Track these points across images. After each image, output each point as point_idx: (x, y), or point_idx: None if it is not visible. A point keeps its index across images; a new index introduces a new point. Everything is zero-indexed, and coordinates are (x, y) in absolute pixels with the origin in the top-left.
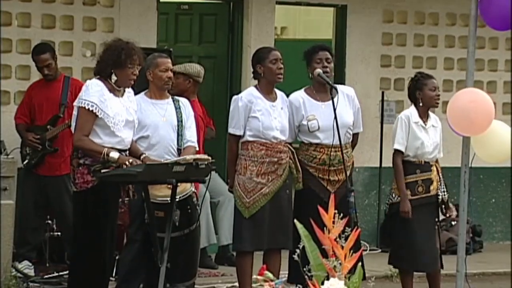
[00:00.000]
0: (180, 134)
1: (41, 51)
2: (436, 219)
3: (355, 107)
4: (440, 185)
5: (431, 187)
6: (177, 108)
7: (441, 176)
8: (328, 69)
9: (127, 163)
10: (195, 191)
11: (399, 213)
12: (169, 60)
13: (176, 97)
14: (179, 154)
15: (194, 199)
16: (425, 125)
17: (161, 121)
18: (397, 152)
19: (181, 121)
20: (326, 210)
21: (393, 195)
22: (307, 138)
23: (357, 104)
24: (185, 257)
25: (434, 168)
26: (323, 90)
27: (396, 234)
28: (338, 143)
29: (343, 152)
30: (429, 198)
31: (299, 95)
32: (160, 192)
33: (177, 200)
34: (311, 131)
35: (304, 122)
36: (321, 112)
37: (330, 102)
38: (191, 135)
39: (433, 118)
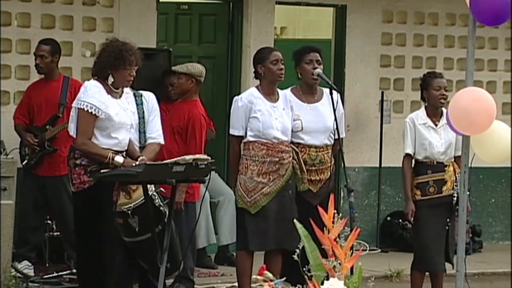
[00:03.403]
0: (142, 132)
1: (43, 42)
2: (448, 220)
3: (339, 112)
4: (456, 185)
5: (444, 188)
6: (139, 104)
7: (457, 176)
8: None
9: (133, 165)
10: (161, 189)
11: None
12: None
13: (139, 92)
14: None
15: (157, 200)
16: (436, 125)
17: None
18: (405, 155)
19: (143, 118)
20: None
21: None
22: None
23: (341, 109)
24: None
25: (450, 168)
26: (310, 92)
27: (412, 235)
28: (320, 144)
29: (342, 152)
30: (441, 199)
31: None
32: (118, 201)
33: (132, 207)
34: (294, 131)
35: None
36: (305, 113)
37: (316, 104)
38: (152, 129)
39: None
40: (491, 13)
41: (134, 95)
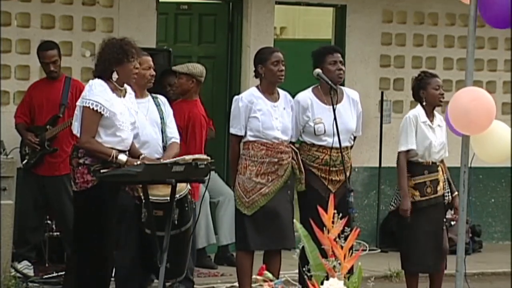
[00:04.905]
0: (163, 131)
1: (49, 47)
2: (444, 220)
3: (358, 111)
4: (446, 185)
5: (438, 188)
6: (158, 105)
7: (446, 177)
8: (341, 72)
9: (135, 164)
10: (190, 188)
11: (400, 212)
12: (150, 58)
13: (154, 95)
14: (163, 151)
15: (189, 196)
16: (432, 124)
17: (146, 119)
18: (404, 152)
19: (163, 118)
20: (327, 209)
21: (401, 197)
22: (311, 139)
23: (359, 108)
24: (173, 255)
25: (439, 169)
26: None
27: (405, 236)
28: (342, 145)
29: (342, 154)
30: (437, 199)
31: (307, 96)
32: (160, 192)
33: (177, 197)
34: (317, 135)
35: (311, 124)
36: (328, 115)
37: (337, 106)
38: (172, 131)
39: (438, 117)
40: (503, 16)
41: (152, 97)
